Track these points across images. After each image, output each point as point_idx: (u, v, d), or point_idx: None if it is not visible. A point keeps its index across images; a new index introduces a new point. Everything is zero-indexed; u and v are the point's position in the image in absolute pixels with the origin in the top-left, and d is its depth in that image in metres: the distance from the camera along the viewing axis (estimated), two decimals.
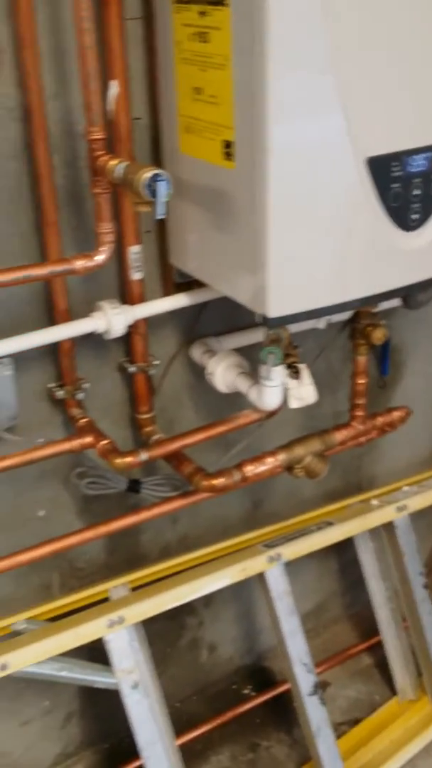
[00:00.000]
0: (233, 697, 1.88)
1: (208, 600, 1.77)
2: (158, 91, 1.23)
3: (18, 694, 1.56)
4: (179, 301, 1.35)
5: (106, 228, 1.16)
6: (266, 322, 1.17)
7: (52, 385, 1.36)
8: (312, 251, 1.13)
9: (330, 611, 2.04)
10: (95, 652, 1.41)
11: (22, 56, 1.11)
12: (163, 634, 1.73)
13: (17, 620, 1.44)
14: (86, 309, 1.30)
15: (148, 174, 1.01)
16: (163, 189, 1.02)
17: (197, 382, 1.52)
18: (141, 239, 1.30)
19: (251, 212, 1.09)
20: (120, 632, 1.41)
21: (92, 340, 1.32)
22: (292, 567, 1.57)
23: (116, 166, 1.08)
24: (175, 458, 1.40)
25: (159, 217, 1.03)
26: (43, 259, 1.26)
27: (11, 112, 1.14)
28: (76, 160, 1.22)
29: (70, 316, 1.29)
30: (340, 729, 1.78)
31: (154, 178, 1.01)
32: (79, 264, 1.17)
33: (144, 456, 1.32)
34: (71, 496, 1.48)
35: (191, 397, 1.54)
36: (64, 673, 1.38)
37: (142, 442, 1.46)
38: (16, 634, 1.42)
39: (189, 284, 1.38)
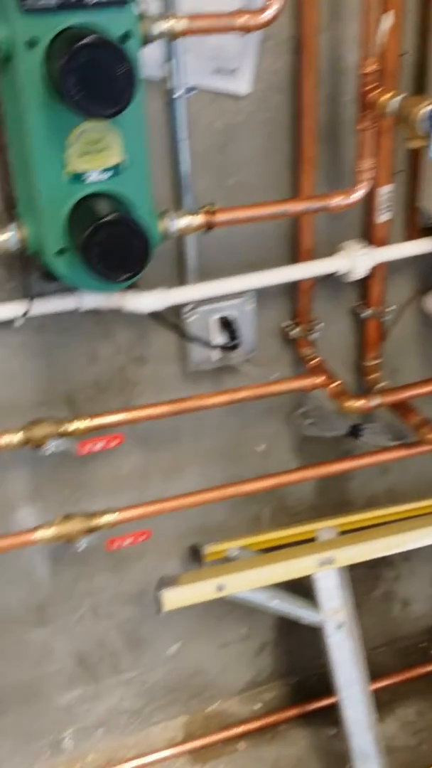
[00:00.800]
0: (421, 654, 1.86)
1: (407, 555, 1.75)
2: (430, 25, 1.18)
3: (221, 617, 1.64)
4: (425, 245, 1.31)
5: (367, 165, 1.14)
6: None
7: (287, 323, 1.37)
8: None
9: None
10: (293, 589, 1.45)
11: None
12: (359, 583, 1.73)
13: (230, 547, 1.49)
14: (327, 249, 1.30)
15: (429, 107, 0.98)
16: None
17: (426, 332, 1.48)
18: (393, 179, 1.27)
19: None
20: (329, 572, 1.43)
21: (329, 281, 1.31)
22: None
23: (390, 99, 1.05)
24: (402, 407, 1.38)
25: None
26: (292, 195, 1.26)
27: (284, 43, 1.14)
28: (338, 95, 1.21)
29: (313, 255, 1.30)
30: None
31: None
32: (335, 201, 1.16)
33: (375, 401, 1.31)
34: (289, 435, 1.51)
35: (419, 347, 1.50)
36: (274, 603, 1.43)
37: (365, 389, 1.45)
38: (229, 559, 1.48)
39: None
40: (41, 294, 1.15)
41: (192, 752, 1.69)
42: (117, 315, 1.23)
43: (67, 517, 1.24)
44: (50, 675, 1.54)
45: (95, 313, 1.22)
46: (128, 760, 1.65)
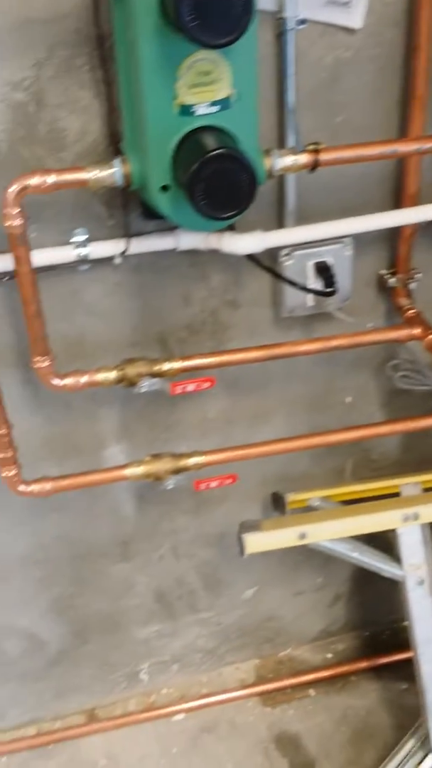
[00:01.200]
0: None
1: None
2: None
3: (297, 566, 1.65)
4: None
5: None
6: None
7: (384, 271, 1.34)
8: None
9: None
10: (371, 542, 1.44)
11: None
12: None
13: (312, 497, 1.49)
14: (430, 195, 1.25)
15: None
16: None
17: None
18: None
19: None
20: (413, 528, 1.41)
21: (429, 228, 1.27)
22: None
23: None
24: None
25: None
26: (399, 136, 1.21)
27: None
28: None
29: (417, 200, 1.25)
30: None
31: None
32: None
33: None
34: (377, 388, 1.48)
35: None
36: (355, 554, 1.43)
37: None
38: (311, 509, 1.48)
39: None
40: (140, 233, 1.15)
41: (262, 694, 1.72)
42: (212, 257, 1.22)
43: (156, 457, 1.26)
44: (130, 609, 1.59)
45: (191, 255, 1.21)
46: (201, 697, 1.70)
